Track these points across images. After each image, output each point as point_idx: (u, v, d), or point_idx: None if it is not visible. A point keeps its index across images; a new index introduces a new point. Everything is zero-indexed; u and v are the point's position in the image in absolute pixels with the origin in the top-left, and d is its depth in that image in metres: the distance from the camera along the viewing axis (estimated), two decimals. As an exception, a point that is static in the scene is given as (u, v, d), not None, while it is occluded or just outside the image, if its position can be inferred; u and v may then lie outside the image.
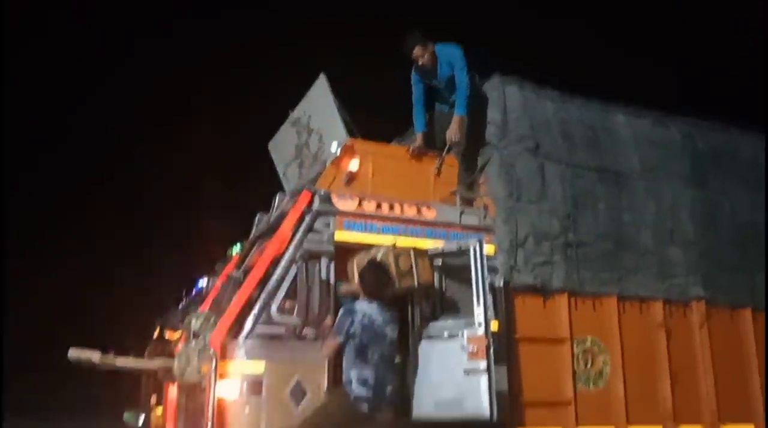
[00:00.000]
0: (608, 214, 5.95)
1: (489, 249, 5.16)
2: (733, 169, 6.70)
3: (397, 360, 4.69)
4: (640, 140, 6.37)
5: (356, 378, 4.25)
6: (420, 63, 5.76)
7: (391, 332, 4.40)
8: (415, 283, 4.81)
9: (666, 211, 6.23)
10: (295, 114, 5.92)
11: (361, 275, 4.55)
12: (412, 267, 4.79)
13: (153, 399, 10.77)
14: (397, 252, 4.80)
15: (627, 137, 6.33)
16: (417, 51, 5.71)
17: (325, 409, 4.32)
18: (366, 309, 4.37)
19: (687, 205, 6.32)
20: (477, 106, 5.77)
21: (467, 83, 5.62)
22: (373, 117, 6.06)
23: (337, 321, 4.42)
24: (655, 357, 5.84)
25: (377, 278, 4.50)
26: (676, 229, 6.21)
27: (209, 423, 4.33)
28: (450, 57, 5.69)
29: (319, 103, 5.54)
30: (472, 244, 4.84)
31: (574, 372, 5.46)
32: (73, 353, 4.85)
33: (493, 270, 5.17)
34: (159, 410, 9.69)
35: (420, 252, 4.93)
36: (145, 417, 11.24)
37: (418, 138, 5.79)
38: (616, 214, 5.99)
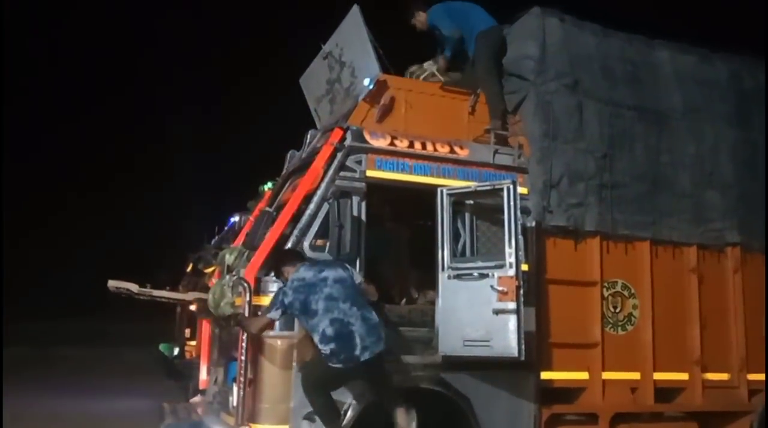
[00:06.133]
0: (646, 154, 5.80)
1: (522, 189, 5.08)
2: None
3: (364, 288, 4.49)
4: (684, 78, 6.12)
5: (318, 338, 4.14)
6: (419, 28, 6.03)
7: (332, 273, 4.27)
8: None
9: (706, 152, 6.05)
10: (327, 47, 5.79)
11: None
12: None
13: (187, 332, 11.17)
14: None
15: (670, 75, 6.08)
16: (413, 21, 6.01)
17: (305, 369, 4.32)
18: (294, 275, 4.30)
19: (729, 147, 6.12)
20: (514, 40, 5.61)
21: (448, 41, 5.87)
22: (408, 52, 5.91)
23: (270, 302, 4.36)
24: (686, 303, 5.80)
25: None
26: (715, 172, 6.05)
27: (243, 355, 4.46)
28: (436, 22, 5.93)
29: (352, 36, 5.39)
30: (506, 184, 4.76)
31: (602, 316, 5.45)
32: (112, 283, 5.02)
33: (525, 210, 5.12)
34: (193, 342, 10.06)
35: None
36: (180, 348, 11.68)
37: (441, 60, 5.70)
38: (654, 155, 5.83)
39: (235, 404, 4.52)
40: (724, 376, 5.86)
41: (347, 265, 4.44)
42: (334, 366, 4.11)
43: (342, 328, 4.11)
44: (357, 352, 4.08)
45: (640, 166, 5.76)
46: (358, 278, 4.54)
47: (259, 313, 4.40)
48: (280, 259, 4.46)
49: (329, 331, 4.10)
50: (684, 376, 5.69)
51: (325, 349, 4.10)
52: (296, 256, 4.46)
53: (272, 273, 4.56)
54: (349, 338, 4.09)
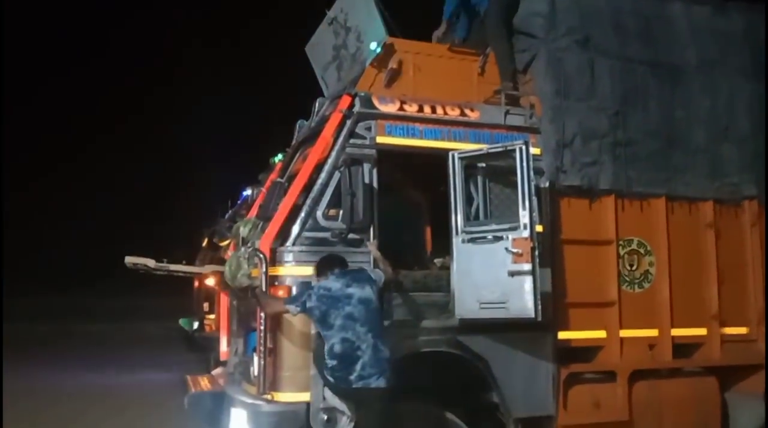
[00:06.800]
0: (660, 110, 5.68)
1: (535, 150, 5.02)
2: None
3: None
4: (698, 31, 5.96)
5: (327, 350, 4.14)
6: None
7: (358, 290, 4.22)
8: None
9: (722, 106, 5.92)
10: (332, 13, 5.70)
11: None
12: None
13: (205, 306, 11.35)
14: None
15: (684, 28, 5.92)
16: None
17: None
18: (323, 282, 4.29)
19: (745, 100, 5.99)
20: None
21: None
22: (414, 14, 5.81)
23: (293, 292, 4.40)
24: (703, 259, 5.76)
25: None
26: (731, 126, 5.93)
27: (261, 325, 4.51)
28: None
29: (357, 0, 5.31)
30: (518, 145, 4.70)
31: (618, 274, 5.43)
32: (130, 259, 5.07)
33: (538, 171, 5.07)
34: (212, 316, 10.22)
35: None
36: (199, 322, 11.88)
37: (443, 25, 5.59)
38: (668, 111, 5.72)
39: (256, 373, 4.60)
40: (742, 330, 5.84)
41: (373, 278, 4.37)
42: (327, 377, 4.16)
43: (350, 350, 4.08)
44: (352, 377, 4.05)
45: (654, 122, 5.66)
46: (375, 251, 4.53)
47: (281, 294, 4.43)
48: (322, 263, 4.41)
49: (337, 348, 4.10)
50: (702, 331, 5.68)
51: (328, 361, 4.14)
52: (337, 263, 4.39)
53: (287, 243, 4.57)
54: (352, 362, 4.06)
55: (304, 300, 4.21)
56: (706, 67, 5.92)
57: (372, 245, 4.62)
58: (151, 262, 5.15)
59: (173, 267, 5.45)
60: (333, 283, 4.24)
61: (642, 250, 5.58)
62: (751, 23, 6.20)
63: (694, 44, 5.94)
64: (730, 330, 5.75)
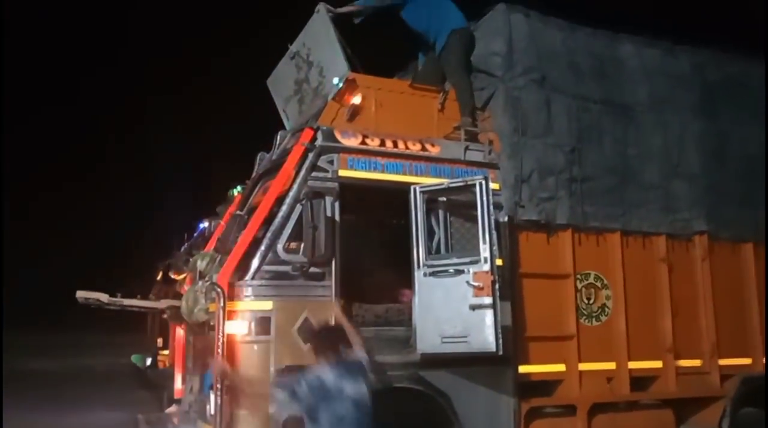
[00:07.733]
0: (614, 147, 5.88)
1: (494, 185, 5.10)
2: (745, 100, 6.56)
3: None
4: (649, 71, 6.22)
5: None
6: None
7: (351, 387, 3.68)
8: None
9: (673, 144, 6.15)
10: (294, 47, 5.74)
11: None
12: None
13: (159, 342, 11.00)
14: None
15: (635, 68, 6.18)
16: None
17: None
18: (315, 370, 3.81)
19: (695, 138, 6.24)
20: (481, 37, 5.66)
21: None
22: (376, 50, 5.89)
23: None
24: (657, 292, 5.90)
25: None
26: (682, 163, 6.16)
27: (219, 362, 4.38)
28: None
29: (319, 35, 5.36)
30: (478, 180, 4.78)
31: (576, 308, 5.51)
32: (81, 294, 4.91)
33: (497, 206, 5.15)
34: (165, 352, 9.90)
35: None
36: (152, 358, 11.50)
37: None
38: (622, 148, 5.92)
39: (212, 412, 4.44)
40: (696, 363, 5.97)
41: (365, 365, 3.87)
42: None
43: None
44: None
45: (609, 159, 5.84)
46: (338, 311, 4.41)
47: None
48: (320, 342, 3.92)
49: None
50: (658, 364, 5.78)
51: None
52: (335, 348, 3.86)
53: (246, 277, 4.48)
54: None
55: (294, 389, 3.68)
56: (657, 105, 6.16)
57: (336, 306, 4.50)
58: (103, 297, 4.99)
59: (127, 301, 5.30)
60: (326, 374, 3.75)
61: (599, 284, 5.69)
62: (698, 64, 6.50)
63: (645, 84, 6.18)
64: (684, 363, 5.88)
